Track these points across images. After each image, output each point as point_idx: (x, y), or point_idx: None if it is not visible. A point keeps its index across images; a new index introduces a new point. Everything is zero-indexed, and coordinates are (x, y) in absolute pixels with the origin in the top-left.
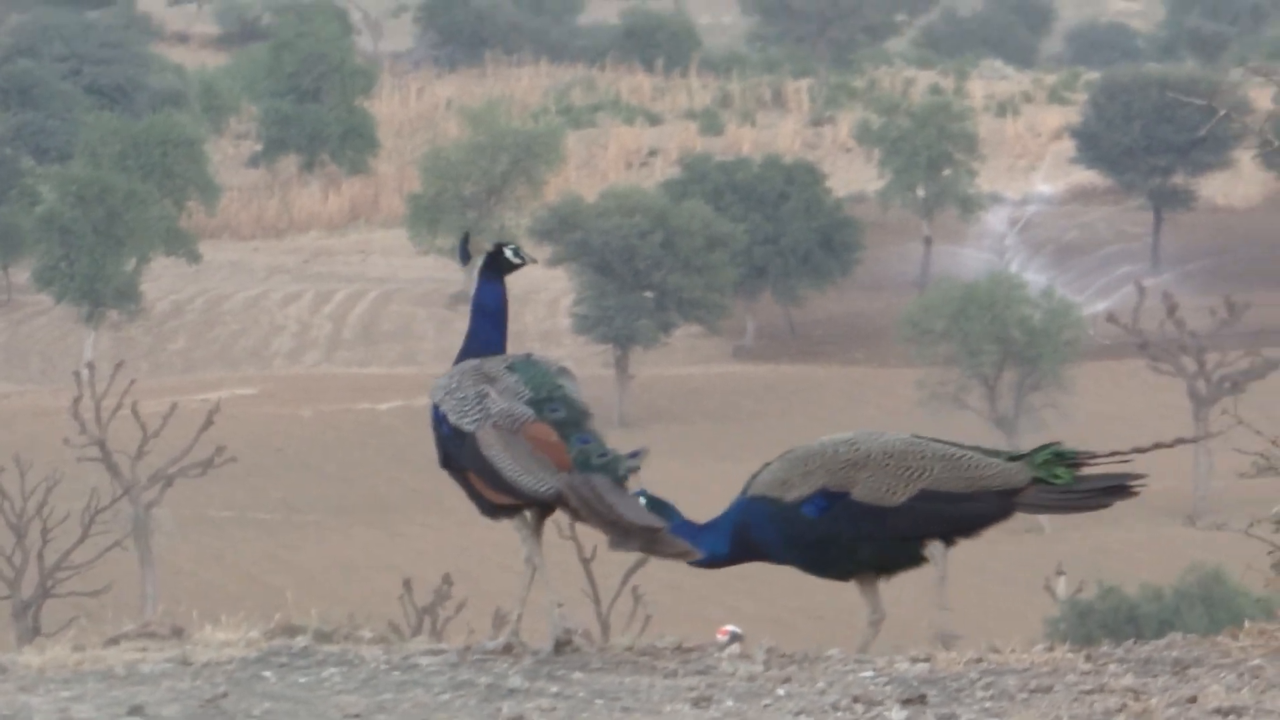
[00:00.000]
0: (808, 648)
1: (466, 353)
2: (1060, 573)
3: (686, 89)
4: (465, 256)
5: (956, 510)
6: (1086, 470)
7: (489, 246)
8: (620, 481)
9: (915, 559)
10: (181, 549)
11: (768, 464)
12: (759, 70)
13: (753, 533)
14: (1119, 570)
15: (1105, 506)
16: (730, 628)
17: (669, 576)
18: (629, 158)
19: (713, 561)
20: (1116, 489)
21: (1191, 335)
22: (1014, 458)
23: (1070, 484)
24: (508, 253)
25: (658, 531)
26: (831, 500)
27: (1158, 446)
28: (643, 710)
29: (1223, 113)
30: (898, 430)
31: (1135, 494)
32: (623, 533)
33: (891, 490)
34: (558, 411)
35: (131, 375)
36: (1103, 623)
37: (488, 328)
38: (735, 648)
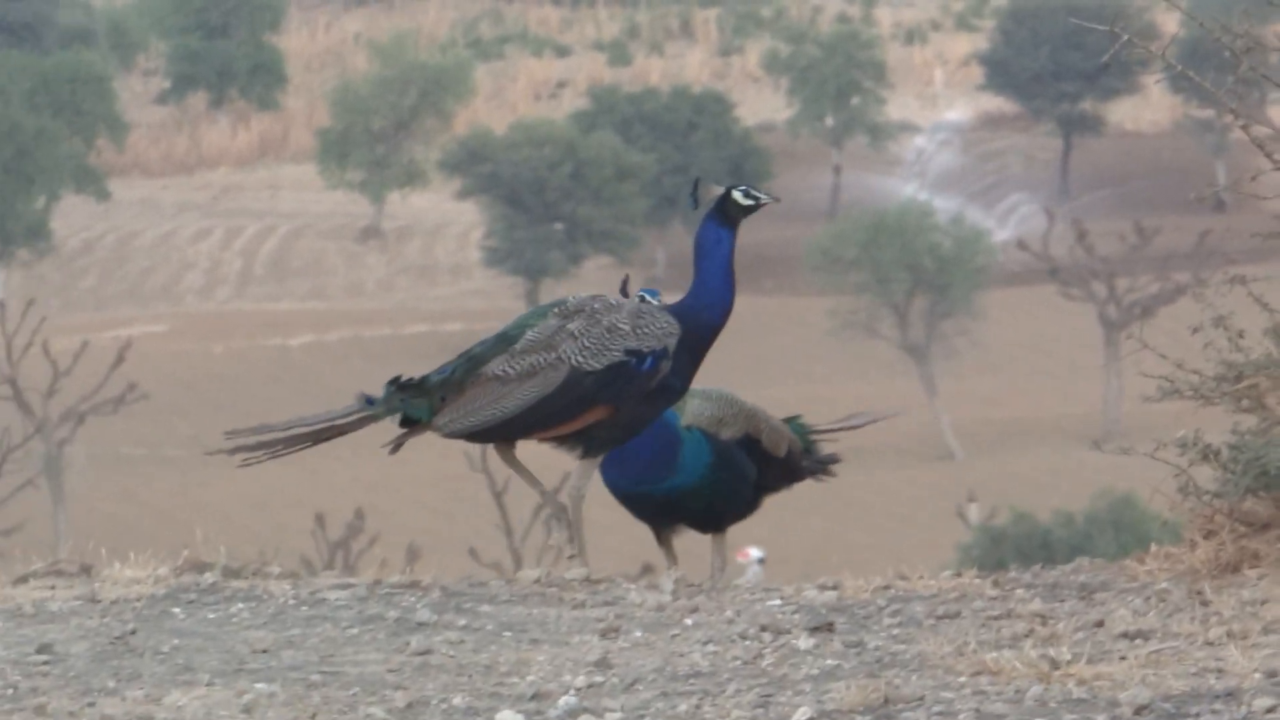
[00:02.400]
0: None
1: (691, 299)
2: (972, 499)
3: (594, 20)
4: (694, 203)
5: (797, 469)
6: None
7: (720, 191)
8: (371, 413)
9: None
10: (94, 487)
11: (688, 397)
12: (666, 0)
13: (683, 452)
14: (1030, 496)
15: (820, 479)
16: (753, 551)
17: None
18: (537, 90)
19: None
20: (829, 461)
21: (1102, 261)
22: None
23: (813, 453)
24: (736, 194)
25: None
26: (750, 446)
27: (873, 421)
28: (551, 641)
29: (1125, 38)
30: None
31: (833, 474)
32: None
33: (778, 444)
34: (474, 350)
35: (42, 313)
36: (1016, 548)
37: (705, 271)
38: (758, 569)
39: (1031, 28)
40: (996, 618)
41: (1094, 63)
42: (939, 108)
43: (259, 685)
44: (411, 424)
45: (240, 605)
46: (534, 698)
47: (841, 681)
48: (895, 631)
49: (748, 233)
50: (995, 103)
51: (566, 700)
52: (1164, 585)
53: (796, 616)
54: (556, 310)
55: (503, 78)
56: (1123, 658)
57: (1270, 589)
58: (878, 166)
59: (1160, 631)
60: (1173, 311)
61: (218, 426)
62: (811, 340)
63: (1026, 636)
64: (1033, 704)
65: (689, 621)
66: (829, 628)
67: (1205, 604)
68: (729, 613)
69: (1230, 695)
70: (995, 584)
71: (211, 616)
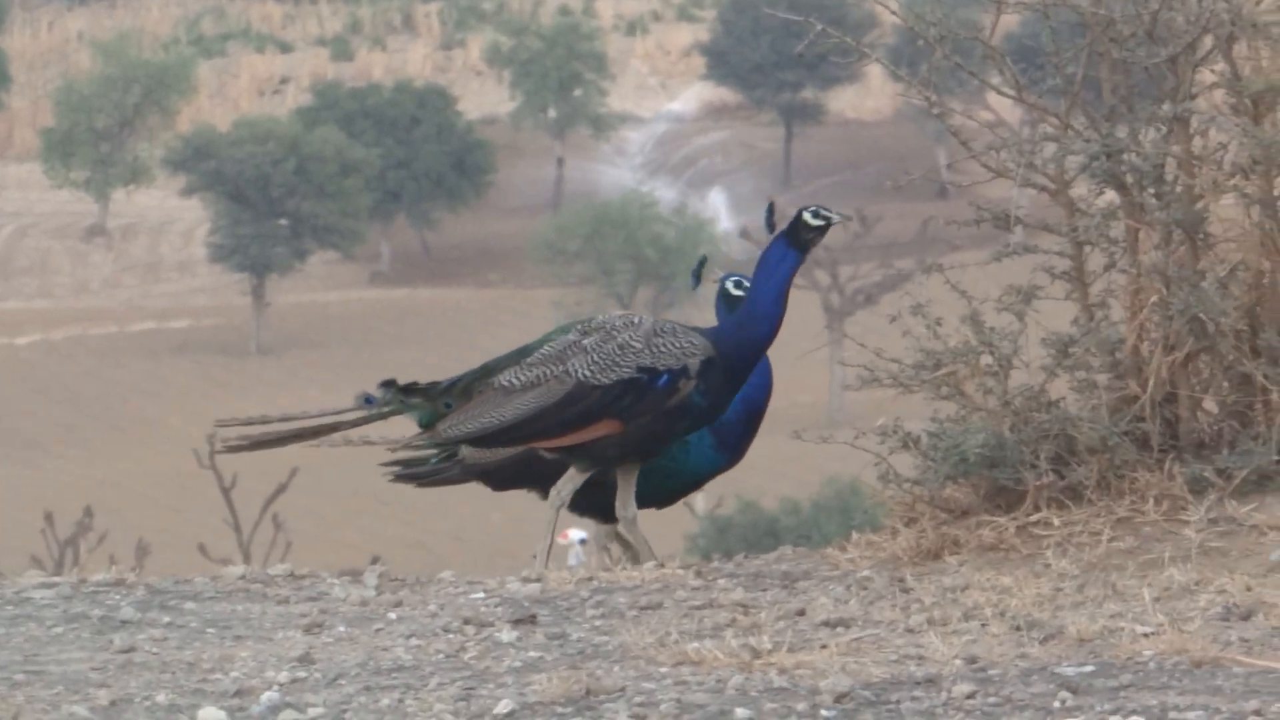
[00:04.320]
0: (421, 572)
1: (741, 314)
2: None
3: (316, 16)
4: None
5: None
6: None
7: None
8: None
9: None
10: None
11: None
12: None
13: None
14: (759, 485)
15: None
16: (574, 532)
17: (309, 503)
18: (261, 86)
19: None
20: None
21: (824, 249)
22: None
23: None
24: (806, 215)
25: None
26: None
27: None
28: (255, 638)
29: (819, 28)
30: None
31: None
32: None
33: None
34: (490, 361)
35: None
36: (742, 537)
37: (761, 286)
38: (579, 550)
39: (752, 18)
40: (699, 608)
41: (814, 51)
42: (661, 99)
43: None
44: (424, 426)
45: None
46: (237, 694)
47: (543, 673)
48: (598, 623)
49: (472, 226)
50: (717, 93)
51: (269, 696)
52: (866, 573)
53: (500, 609)
54: (579, 327)
55: (226, 74)
56: (824, 646)
57: (970, 575)
58: (601, 158)
59: (861, 619)
60: (895, 299)
61: None
62: (536, 332)
63: (728, 626)
64: (734, 693)
65: (392, 615)
66: (532, 620)
67: (906, 591)
68: (432, 606)
69: (930, 682)
70: (698, 574)
71: None
